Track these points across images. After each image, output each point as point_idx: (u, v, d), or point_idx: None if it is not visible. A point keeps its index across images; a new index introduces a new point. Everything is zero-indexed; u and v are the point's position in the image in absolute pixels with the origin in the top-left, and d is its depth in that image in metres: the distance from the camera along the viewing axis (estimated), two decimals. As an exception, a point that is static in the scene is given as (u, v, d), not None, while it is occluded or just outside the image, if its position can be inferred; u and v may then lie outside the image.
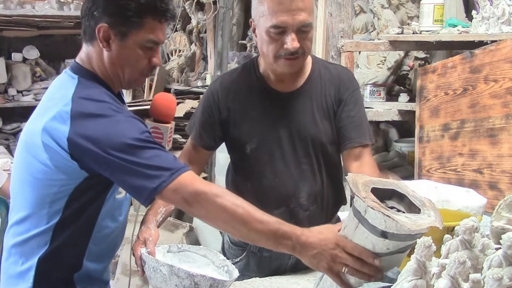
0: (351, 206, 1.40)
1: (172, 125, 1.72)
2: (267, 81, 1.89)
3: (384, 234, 1.29)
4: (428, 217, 1.32)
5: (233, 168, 2.03)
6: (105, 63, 1.57)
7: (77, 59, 1.62)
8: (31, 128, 1.55)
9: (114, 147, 1.43)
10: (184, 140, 4.37)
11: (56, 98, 1.54)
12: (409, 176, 3.14)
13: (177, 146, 4.34)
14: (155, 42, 1.57)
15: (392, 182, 1.44)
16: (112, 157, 1.43)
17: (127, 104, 1.79)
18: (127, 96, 4.90)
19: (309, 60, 1.90)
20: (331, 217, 1.99)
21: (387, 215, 1.26)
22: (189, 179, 1.45)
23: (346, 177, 1.45)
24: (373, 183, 1.38)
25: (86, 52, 1.60)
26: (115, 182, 1.52)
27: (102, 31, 1.53)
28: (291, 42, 1.71)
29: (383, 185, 1.40)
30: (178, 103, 4.41)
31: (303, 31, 1.73)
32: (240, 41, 4.84)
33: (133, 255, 1.67)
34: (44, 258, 1.57)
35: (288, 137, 1.88)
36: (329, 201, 1.96)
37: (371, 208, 1.27)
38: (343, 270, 1.35)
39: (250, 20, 1.85)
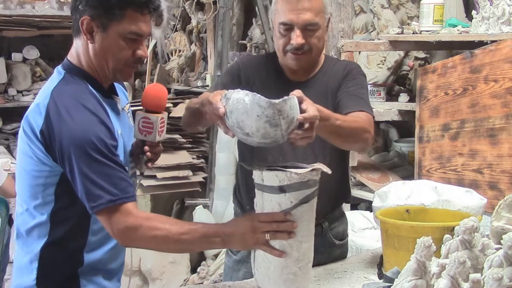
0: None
1: (163, 115, 1.72)
2: (283, 69, 2.05)
3: (281, 189, 1.50)
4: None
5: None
6: (90, 56, 1.61)
7: (68, 56, 1.66)
8: (22, 123, 1.61)
9: (73, 150, 1.48)
10: (184, 140, 4.36)
11: (41, 91, 1.62)
12: (409, 176, 3.14)
13: (177, 146, 4.33)
14: (138, 34, 1.59)
15: (286, 163, 1.64)
16: (71, 159, 1.49)
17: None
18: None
19: (322, 57, 2.07)
20: (333, 207, 2.07)
21: (276, 169, 1.50)
22: (124, 213, 1.50)
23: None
24: (268, 166, 1.59)
25: (75, 47, 1.64)
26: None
27: (85, 23, 1.57)
28: (296, 38, 1.89)
29: (278, 165, 1.59)
30: (178, 103, 4.42)
31: (309, 29, 1.90)
32: (240, 41, 4.84)
33: (211, 105, 1.58)
34: (46, 250, 1.60)
35: None
36: (333, 188, 1.99)
37: (264, 170, 1.51)
38: (266, 237, 1.50)
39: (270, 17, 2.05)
